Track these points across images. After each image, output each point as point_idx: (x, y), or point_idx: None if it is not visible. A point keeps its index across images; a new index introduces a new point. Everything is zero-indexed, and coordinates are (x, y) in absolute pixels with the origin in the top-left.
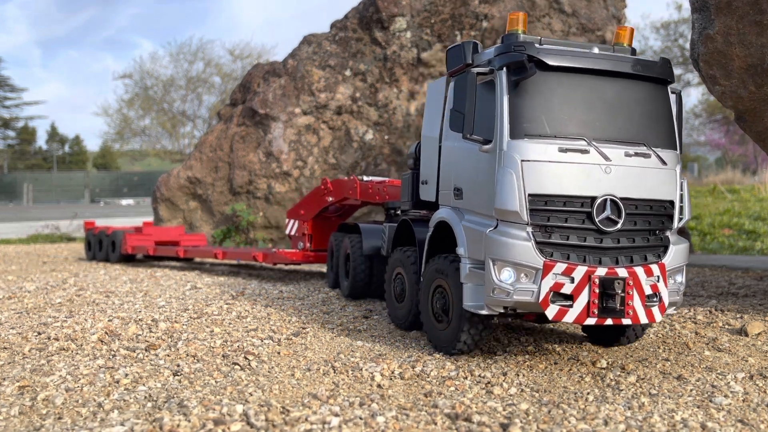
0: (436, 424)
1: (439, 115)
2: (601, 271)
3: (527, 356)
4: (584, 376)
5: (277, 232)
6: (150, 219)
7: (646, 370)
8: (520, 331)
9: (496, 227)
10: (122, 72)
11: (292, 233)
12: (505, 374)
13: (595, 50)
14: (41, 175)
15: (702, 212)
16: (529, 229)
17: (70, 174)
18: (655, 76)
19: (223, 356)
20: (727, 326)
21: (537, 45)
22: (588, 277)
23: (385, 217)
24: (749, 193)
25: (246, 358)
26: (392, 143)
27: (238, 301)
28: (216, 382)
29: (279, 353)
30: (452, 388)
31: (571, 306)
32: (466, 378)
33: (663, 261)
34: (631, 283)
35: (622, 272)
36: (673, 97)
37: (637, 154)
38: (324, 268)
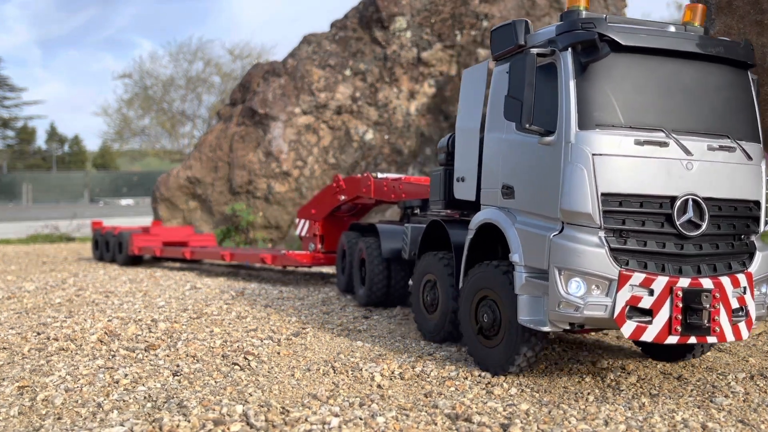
0: (436, 424)
1: (478, 104)
2: (684, 282)
3: None
4: (585, 376)
5: (276, 232)
6: (157, 218)
7: (646, 370)
8: None
9: (561, 231)
10: (122, 72)
11: (303, 234)
12: (505, 374)
13: (671, 29)
14: (40, 175)
15: None
16: (602, 233)
17: (69, 174)
18: (738, 59)
19: (222, 356)
20: None
21: (606, 23)
22: (669, 289)
23: (401, 217)
24: None
25: (246, 358)
26: (392, 143)
27: (238, 301)
28: (216, 382)
29: (279, 353)
30: (452, 389)
31: (650, 322)
32: (466, 378)
33: (749, 269)
34: (717, 295)
35: (706, 283)
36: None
37: (721, 148)
38: (330, 269)
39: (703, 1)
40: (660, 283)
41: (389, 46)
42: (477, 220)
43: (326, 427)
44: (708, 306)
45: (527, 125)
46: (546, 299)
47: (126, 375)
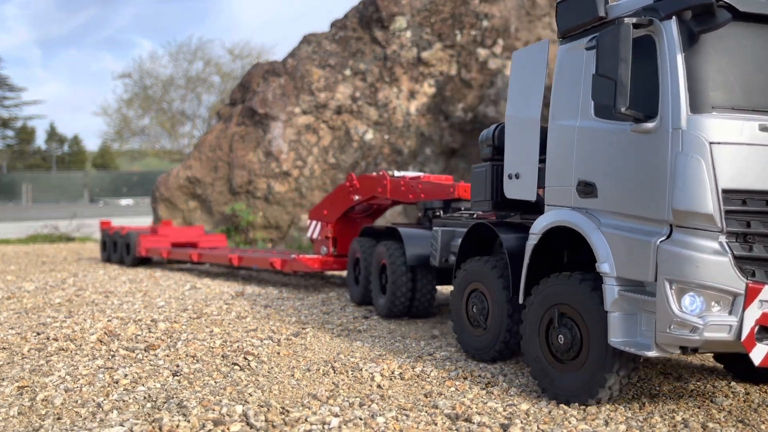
0: (436, 424)
1: (538, 89)
2: None
3: None
4: None
5: (276, 232)
6: (157, 218)
7: (646, 370)
8: None
9: (669, 236)
10: (122, 72)
11: (315, 236)
12: (505, 374)
13: None
14: (40, 174)
15: None
16: (723, 238)
17: (69, 174)
18: None
19: (222, 356)
20: None
21: None
22: None
23: (420, 218)
24: None
25: (245, 358)
26: (392, 143)
27: (238, 301)
28: (215, 382)
29: (279, 353)
30: (452, 389)
31: None
32: (466, 378)
33: None
34: None
35: None
36: None
37: None
38: (342, 273)
39: None
40: None
41: (389, 45)
42: (543, 223)
43: (326, 427)
44: None
45: (622, 109)
46: (642, 317)
47: (126, 375)
